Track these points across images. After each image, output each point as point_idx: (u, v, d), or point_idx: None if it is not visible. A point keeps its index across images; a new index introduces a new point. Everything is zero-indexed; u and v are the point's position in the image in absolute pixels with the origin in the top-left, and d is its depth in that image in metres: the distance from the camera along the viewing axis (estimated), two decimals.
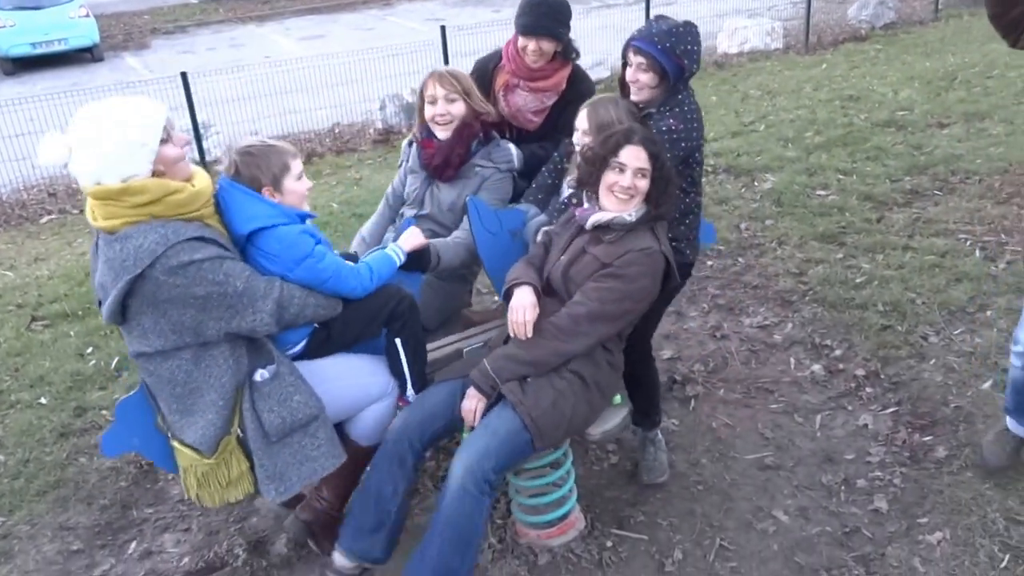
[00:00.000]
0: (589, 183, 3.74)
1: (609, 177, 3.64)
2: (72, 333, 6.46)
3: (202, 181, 3.32)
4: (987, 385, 4.84)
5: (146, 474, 4.77)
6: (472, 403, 3.61)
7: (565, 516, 3.93)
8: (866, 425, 4.66)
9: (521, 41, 4.52)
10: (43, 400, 5.54)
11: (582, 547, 4.01)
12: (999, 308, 5.53)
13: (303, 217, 3.56)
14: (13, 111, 12.15)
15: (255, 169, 3.46)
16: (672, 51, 3.83)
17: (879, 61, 14.10)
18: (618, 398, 3.99)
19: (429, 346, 4.08)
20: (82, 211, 11.44)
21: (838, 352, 5.30)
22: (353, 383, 3.76)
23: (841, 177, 8.00)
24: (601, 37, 16.37)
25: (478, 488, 3.39)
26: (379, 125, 13.32)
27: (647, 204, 3.67)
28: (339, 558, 3.70)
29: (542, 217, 4.18)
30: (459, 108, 4.23)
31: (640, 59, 3.88)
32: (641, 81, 3.91)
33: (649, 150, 3.60)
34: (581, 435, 3.89)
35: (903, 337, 5.34)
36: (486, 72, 4.76)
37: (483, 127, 4.34)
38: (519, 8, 4.51)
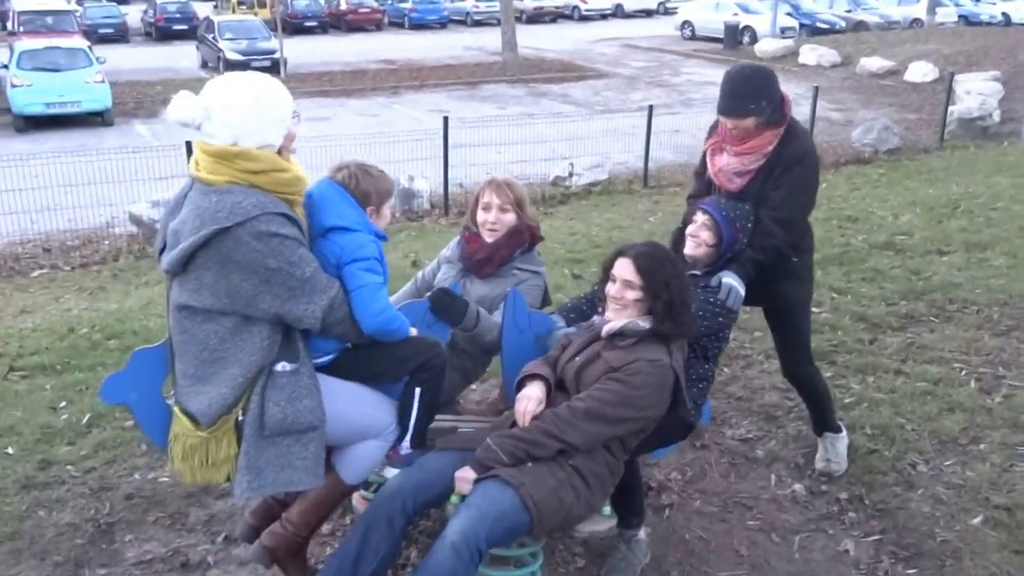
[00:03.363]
0: (602, 294, 3.99)
1: (607, 287, 3.93)
2: (48, 386, 6.41)
3: (301, 171, 3.52)
4: (977, 520, 4.66)
5: (103, 533, 4.66)
6: (469, 474, 3.62)
7: None
8: (847, 551, 4.50)
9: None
10: (10, 450, 5.45)
11: None
12: (993, 442, 5.38)
13: (380, 236, 3.78)
14: (19, 166, 12.48)
15: (371, 187, 3.76)
16: (733, 223, 4.36)
17: (881, 185, 14.18)
18: (607, 510, 3.92)
19: None
20: (73, 268, 11.84)
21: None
22: (359, 411, 3.78)
23: (835, 296, 7.92)
24: (603, 140, 16.58)
25: (469, 551, 3.37)
26: None
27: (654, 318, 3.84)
28: None
29: (570, 330, 4.34)
30: (510, 219, 4.46)
31: (706, 218, 4.35)
32: (701, 237, 4.36)
33: (638, 264, 3.84)
34: (569, 531, 3.87)
35: (890, 463, 5.18)
36: (710, 134, 4.88)
37: (530, 236, 4.53)
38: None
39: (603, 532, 3.93)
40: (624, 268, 3.86)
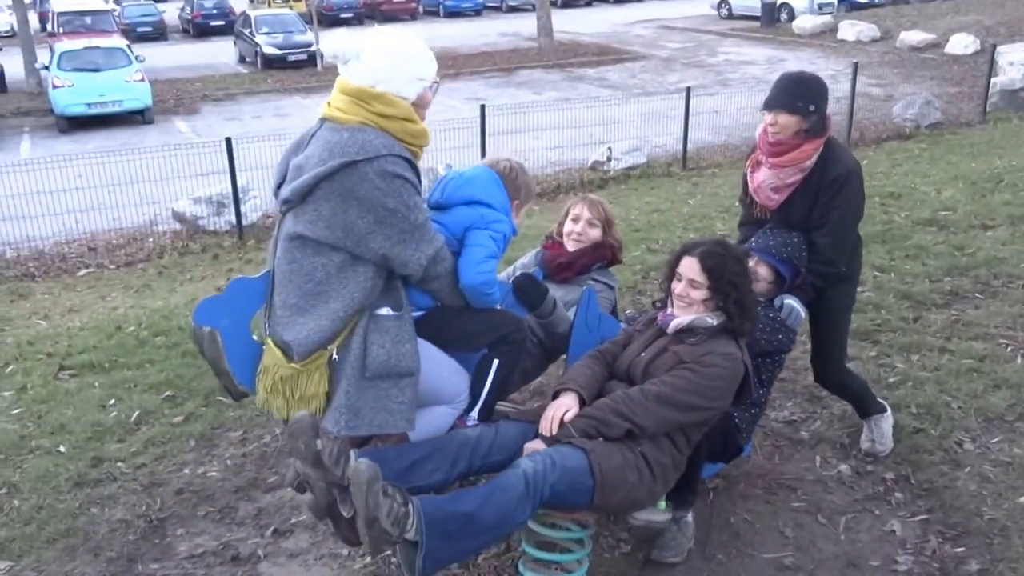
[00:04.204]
0: (667, 292, 4.09)
1: (672, 284, 4.00)
2: (97, 384, 6.51)
3: (429, 133, 3.72)
4: None
5: (155, 529, 4.75)
6: (540, 445, 3.69)
7: None
8: (894, 531, 4.48)
9: (765, 117, 4.60)
10: (62, 448, 5.55)
11: None
12: None
13: (514, 230, 4.01)
14: (64, 167, 12.66)
15: (524, 185, 4.11)
16: (789, 260, 4.52)
17: (923, 160, 14.04)
18: (663, 504, 3.94)
19: None
20: (118, 267, 11.98)
21: None
22: (438, 372, 3.87)
23: (878, 274, 7.88)
24: (640, 123, 16.52)
25: (534, 486, 3.42)
26: None
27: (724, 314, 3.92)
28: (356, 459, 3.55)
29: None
30: (596, 233, 4.73)
31: (759, 258, 4.52)
32: (759, 272, 4.49)
33: (704, 263, 3.88)
34: (626, 515, 3.91)
35: (936, 442, 5.16)
36: (750, 153, 4.92)
37: (612, 255, 4.80)
38: None
39: (658, 524, 3.96)
40: (690, 267, 3.92)
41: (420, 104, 3.62)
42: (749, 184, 4.81)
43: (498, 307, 4.00)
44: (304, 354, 3.57)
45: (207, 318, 3.72)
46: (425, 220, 3.55)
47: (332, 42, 3.56)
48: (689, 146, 16.30)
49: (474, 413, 3.97)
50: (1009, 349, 6.29)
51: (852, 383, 5.07)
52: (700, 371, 3.76)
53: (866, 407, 5.11)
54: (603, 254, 4.74)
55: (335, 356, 3.59)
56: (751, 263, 4.39)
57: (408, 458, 3.65)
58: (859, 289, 7.20)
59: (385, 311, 3.60)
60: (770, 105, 4.52)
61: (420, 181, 3.58)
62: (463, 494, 3.47)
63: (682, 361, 3.81)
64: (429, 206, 3.97)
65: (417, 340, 3.70)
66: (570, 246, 4.70)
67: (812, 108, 4.44)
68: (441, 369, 3.88)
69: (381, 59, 3.51)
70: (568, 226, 4.74)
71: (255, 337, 3.85)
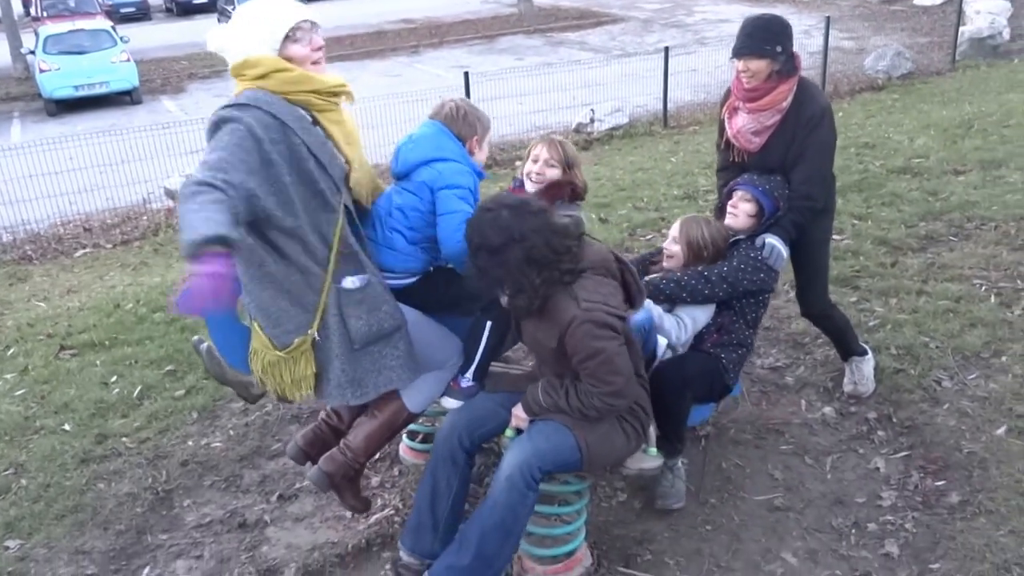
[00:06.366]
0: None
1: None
2: (98, 362, 6.57)
3: (335, 81, 3.71)
4: (1001, 431, 4.80)
5: (162, 501, 4.83)
6: (523, 413, 3.78)
7: (572, 552, 3.96)
8: (877, 468, 4.64)
9: (736, 65, 4.65)
10: (67, 427, 5.62)
11: None
12: (1014, 354, 5.50)
13: (478, 173, 4.02)
14: (54, 150, 12.60)
15: (475, 120, 4.06)
16: (771, 193, 4.55)
17: (895, 110, 14.14)
18: (653, 451, 4.03)
19: None
20: (114, 246, 12.05)
21: None
22: (428, 339, 3.95)
23: (856, 222, 8.01)
24: (621, 84, 16.57)
25: (525, 482, 3.53)
26: None
27: None
28: (404, 556, 3.83)
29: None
30: (554, 174, 4.48)
31: (744, 193, 4.58)
32: (740, 208, 4.57)
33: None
34: (618, 468, 4.01)
35: (916, 381, 5.32)
36: (724, 100, 4.96)
37: (571, 191, 4.56)
38: None
39: (650, 470, 4.03)
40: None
41: (293, 56, 3.58)
42: (728, 131, 4.86)
43: None
44: (285, 344, 3.65)
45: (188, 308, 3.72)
46: (215, 151, 3.34)
47: (208, 40, 3.67)
48: (669, 105, 16.37)
49: (469, 374, 4.04)
50: (983, 289, 6.45)
51: (836, 314, 5.19)
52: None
53: (848, 346, 5.25)
54: (559, 192, 4.54)
55: (316, 338, 3.66)
56: (734, 201, 4.58)
57: (425, 499, 3.82)
58: (838, 237, 7.43)
59: (349, 282, 3.64)
60: (739, 53, 4.57)
61: (283, 128, 3.48)
62: (466, 531, 3.63)
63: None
64: (393, 176, 4.05)
65: (392, 298, 3.78)
66: (530, 187, 4.55)
67: (779, 49, 4.50)
68: (429, 336, 3.96)
69: (233, 32, 3.58)
70: (528, 166, 4.60)
71: (245, 322, 3.89)
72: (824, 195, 4.73)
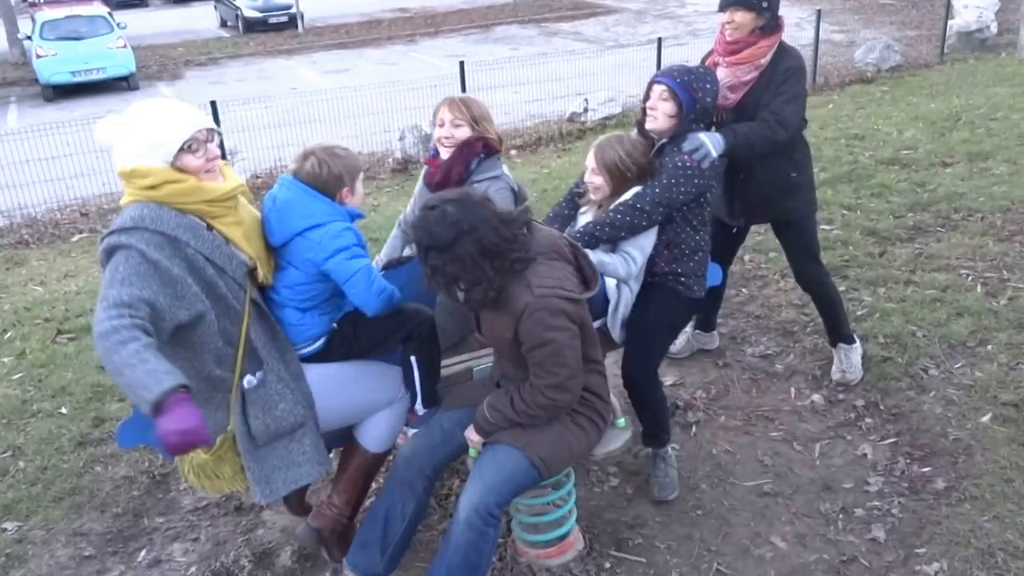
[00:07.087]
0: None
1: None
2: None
3: (228, 188, 3.45)
4: (986, 418, 4.86)
5: (159, 484, 4.88)
6: (476, 435, 3.69)
7: (564, 536, 4.01)
8: (865, 455, 4.70)
9: (721, 18, 4.67)
10: (64, 410, 5.67)
11: (580, 568, 4.04)
12: (999, 343, 5.58)
13: (353, 217, 3.70)
14: (51, 135, 12.50)
15: (340, 168, 3.65)
16: (689, 85, 4.18)
17: (884, 102, 14.18)
18: (622, 421, 4.04)
19: (441, 362, 4.14)
20: None
21: None
22: (364, 388, 3.83)
23: (845, 212, 8.09)
24: (615, 74, 16.58)
25: (483, 521, 3.45)
26: (398, 155, 13.41)
27: None
28: (348, 572, 3.78)
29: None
30: (464, 133, 4.27)
31: (661, 88, 4.21)
32: (659, 109, 4.23)
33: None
34: (587, 457, 3.97)
35: (903, 369, 5.38)
36: (705, 58, 4.94)
37: (486, 147, 4.32)
38: None
39: (619, 448, 4.00)
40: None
41: (186, 167, 3.35)
42: None
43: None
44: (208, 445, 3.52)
45: (131, 440, 3.70)
46: (110, 278, 3.17)
47: (97, 131, 3.42)
48: None
49: (418, 406, 3.95)
50: (970, 279, 6.52)
51: (829, 284, 5.21)
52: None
53: (839, 327, 5.29)
54: (474, 150, 4.28)
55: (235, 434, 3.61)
56: (652, 100, 4.26)
57: (377, 521, 3.75)
58: (827, 228, 7.50)
59: (247, 382, 3.51)
60: (726, 4, 4.61)
61: (179, 246, 3.31)
62: (433, 572, 3.55)
63: None
64: (273, 247, 3.72)
65: (294, 388, 3.60)
66: (444, 154, 4.31)
67: (766, 5, 4.55)
68: (366, 384, 3.87)
69: (124, 138, 3.33)
70: (436, 132, 4.35)
71: None
72: (786, 132, 4.56)
